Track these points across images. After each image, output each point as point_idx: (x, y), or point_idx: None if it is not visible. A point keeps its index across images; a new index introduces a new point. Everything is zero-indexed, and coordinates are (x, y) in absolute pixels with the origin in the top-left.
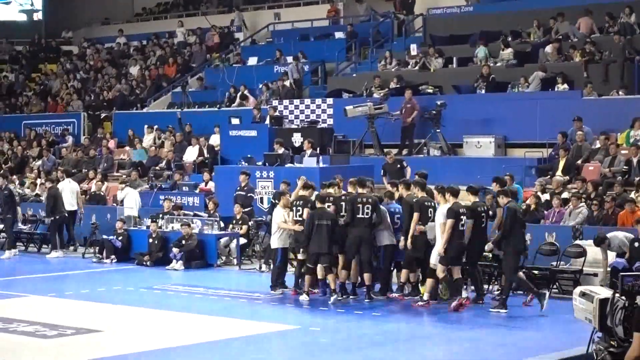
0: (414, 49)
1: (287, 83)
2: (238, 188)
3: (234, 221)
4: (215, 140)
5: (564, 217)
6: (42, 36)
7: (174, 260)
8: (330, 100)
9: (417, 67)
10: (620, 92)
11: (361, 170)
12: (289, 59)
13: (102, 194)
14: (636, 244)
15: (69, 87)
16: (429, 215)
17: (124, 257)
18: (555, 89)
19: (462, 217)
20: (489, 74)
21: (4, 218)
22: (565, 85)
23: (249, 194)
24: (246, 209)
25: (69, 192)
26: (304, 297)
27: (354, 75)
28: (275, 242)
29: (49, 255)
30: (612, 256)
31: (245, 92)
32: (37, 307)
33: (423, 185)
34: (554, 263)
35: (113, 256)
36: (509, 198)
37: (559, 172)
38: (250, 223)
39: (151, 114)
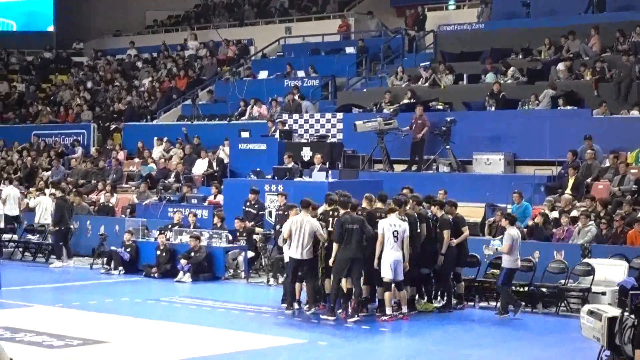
0: (423, 67)
1: (297, 97)
2: (248, 204)
3: (238, 234)
4: (224, 153)
5: (573, 235)
6: (53, 47)
7: (181, 272)
8: (340, 115)
9: (427, 84)
10: (633, 111)
11: (370, 185)
12: (300, 73)
13: (111, 205)
14: None
15: (79, 98)
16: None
17: (132, 268)
18: (560, 108)
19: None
20: (499, 91)
21: None
22: (568, 107)
23: (260, 212)
24: (257, 224)
25: (13, 198)
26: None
27: (364, 90)
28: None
29: (52, 265)
30: (610, 271)
31: (256, 105)
32: (44, 317)
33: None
34: (562, 281)
35: (121, 267)
36: (345, 209)
37: (568, 190)
38: (258, 236)
39: (161, 126)
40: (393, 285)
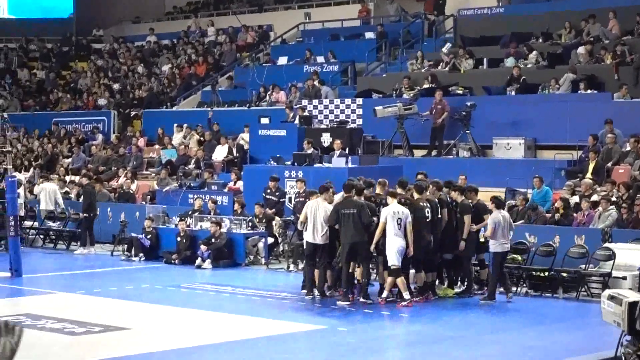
0: (446, 48)
1: (316, 82)
2: (268, 192)
3: (257, 220)
4: (244, 139)
5: (594, 219)
6: (73, 34)
7: (200, 258)
8: (359, 101)
9: (447, 68)
10: None
11: (390, 170)
12: (320, 58)
13: (131, 192)
14: None
15: (99, 85)
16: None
17: (153, 255)
18: (580, 92)
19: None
20: (519, 75)
21: None
22: (588, 91)
23: (281, 199)
24: (278, 212)
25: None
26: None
27: (384, 75)
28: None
29: (76, 252)
30: (630, 256)
31: (275, 90)
32: (66, 304)
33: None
34: (583, 266)
35: (141, 254)
36: (348, 193)
37: (588, 175)
38: (277, 223)
39: (181, 113)
40: (412, 270)
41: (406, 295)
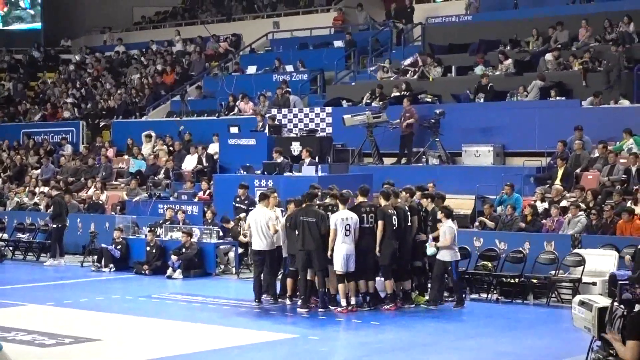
0: (412, 58)
1: (285, 92)
2: (237, 200)
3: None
4: (214, 149)
5: (563, 226)
6: (41, 45)
7: (171, 268)
8: (329, 109)
9: (416, 76)
10: (622, 101)
11: (360, 179)
12: (289, 67)
13: (101, 202)
14: None
15: (68, 96)
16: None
17: (123, 265)
18: (549, 99)
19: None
20: (487, 83)
21: None
22: (557, 97)
23: (250, 207)
24: None
25: None
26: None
27: (353, 84)
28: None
29: (46, 263)
30: (600, 261)
31: (243, 100)
32: (36, 315)
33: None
34: (553, 272)
35: (111, 265)
36: (308, 202)
37: (557, 181)
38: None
39: (150, 123)
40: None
41: (343, 302)
